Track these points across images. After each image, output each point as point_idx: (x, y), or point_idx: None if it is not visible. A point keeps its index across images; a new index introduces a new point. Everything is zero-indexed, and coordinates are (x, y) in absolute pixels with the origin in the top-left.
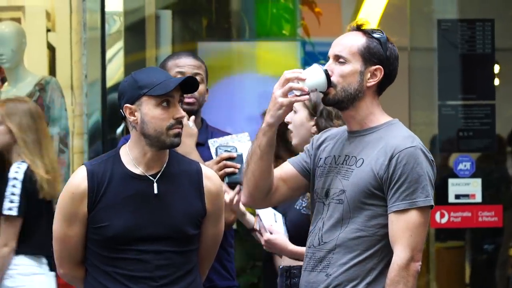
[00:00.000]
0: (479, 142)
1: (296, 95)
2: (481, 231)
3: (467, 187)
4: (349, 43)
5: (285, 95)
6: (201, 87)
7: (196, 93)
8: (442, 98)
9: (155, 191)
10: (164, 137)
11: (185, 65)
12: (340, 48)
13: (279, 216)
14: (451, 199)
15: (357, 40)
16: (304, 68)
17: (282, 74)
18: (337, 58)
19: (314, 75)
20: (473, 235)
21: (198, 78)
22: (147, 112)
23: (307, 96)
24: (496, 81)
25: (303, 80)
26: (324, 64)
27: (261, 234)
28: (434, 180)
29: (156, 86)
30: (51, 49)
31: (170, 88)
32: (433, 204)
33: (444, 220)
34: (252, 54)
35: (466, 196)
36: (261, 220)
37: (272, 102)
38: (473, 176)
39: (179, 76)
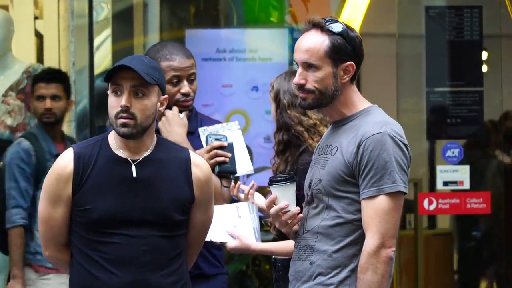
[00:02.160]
0: (467, 129)
1: (284, 213)
2: (469, 218)
3: (455, 174)
4: (314, 47)
5: (285, 224)
6: (195, 84)
7: (191, 93)
8: (430, 85)
9: (134, 174)
10: (115, 126)
11: (180, 68)
12: (307, 55)
13: (243, 207)
14: (439, 186)
15: (321, 42)
16: (292, 55)
17: (270, 60)
18: (307, 65)
19: (284, 193)
20: (461, 222)
21: (192, 77)
22: (108, 100)
23: (298, 208)
24: (484, 68)
25: (285, 206)
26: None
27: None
28: (407, 165)
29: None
30: (39, 36)
31: (107, 77)
32: (402, 190)
33: (432, 207)
34: (240, 41)
35: (454, 183)
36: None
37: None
38: (461, 163)
39: (175, 80)
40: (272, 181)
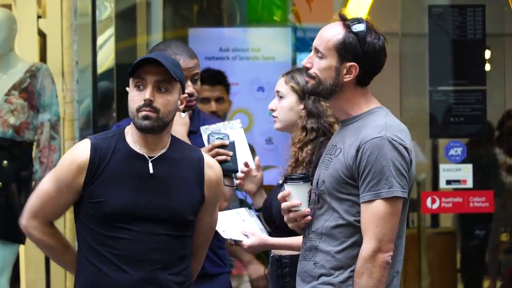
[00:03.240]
0: (470, 127)
1: (294, 211)
2: (472, 217)
3: (458, 172)
4: (327, 37)
5: (293, 221)
6: (199, 84)
7: (195, 93)
8: (433, 83)
9: (151, 170)
10: (136, 119)
11: (184, 68)
12: (319, 41)
13: (242, 212)
14: (442, 184)
15: (335, 35)
16: (295, 54)
17: (273, 59)
18: (316, 51)
19: (297, 192)
20: (464, 221)
21: (196, 77)
22: (129, 94)
23: (308, 209)
24: (487, 67)
25: (298, 205)
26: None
27: (239, 245)
28: (407, 170)
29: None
30: (42, 35)
31: (133, 70)
32: (399, 195)
33: (435, 206)
34: (243, 40)
35: (457, 181)
36: (232, 239)
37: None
38: (464, 161)
39: None
40: (287, 179)
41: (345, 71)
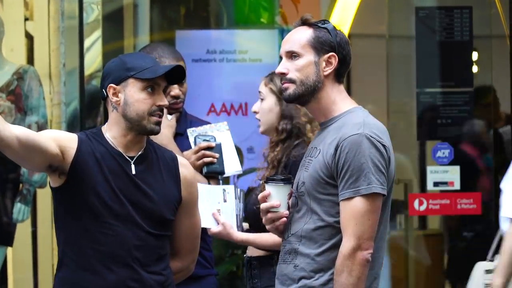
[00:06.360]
0: (458, 129)
1: (273, 212)
2: (459, 219)
3: (445, 174)
4: (297, 37)
5: (271, 222)
6: (185, 86)
7: (181, 95)
8: (420, 85)
9: (133, 171)
10: (145, 122)
11: None
12: (290, 44)
13: (230, 191)
14: (430, 186)
15: (305, 33)
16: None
17: (260, 61)
18: (289, 54)
19: (277, 193)
20: (452, 223)
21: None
22: (132, 95)
23: (287, 212)
24: (475, 69)
25: (277, 206)
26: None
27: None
28: (385, 166)
29: (144, 70)
30: (29, 37)
31: (158, 74)
32: (378, 191)
33: (422, 208)
34: (230, 42)
35: (445, 183)
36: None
37: (265, 224)
38: (452, 163)
39: None
40: (268, 179)
41: (324, 64)
